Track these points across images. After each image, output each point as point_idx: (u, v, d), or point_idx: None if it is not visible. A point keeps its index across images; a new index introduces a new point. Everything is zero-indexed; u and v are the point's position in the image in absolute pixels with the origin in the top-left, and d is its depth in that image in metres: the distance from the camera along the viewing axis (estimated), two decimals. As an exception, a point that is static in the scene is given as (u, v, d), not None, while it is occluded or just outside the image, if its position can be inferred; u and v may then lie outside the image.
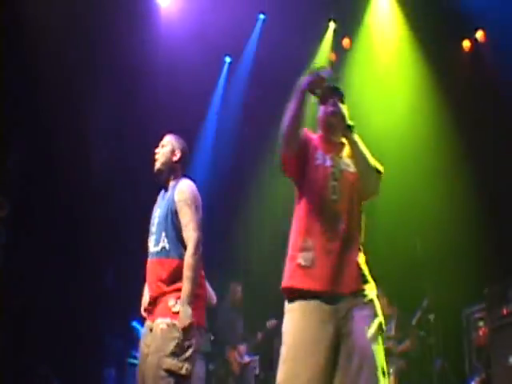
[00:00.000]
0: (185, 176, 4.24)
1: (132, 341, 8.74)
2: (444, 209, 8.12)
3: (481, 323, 6.41)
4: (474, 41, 8.38)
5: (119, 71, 8.58)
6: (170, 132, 4.35)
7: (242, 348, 8.09)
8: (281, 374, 3.07)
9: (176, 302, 3.80)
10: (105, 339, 8.72)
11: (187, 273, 3.84)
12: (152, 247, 4.11)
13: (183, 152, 4.27)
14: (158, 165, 4.24)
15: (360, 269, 3.19)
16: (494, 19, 7.67)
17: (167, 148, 4.26)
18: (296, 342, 3.08)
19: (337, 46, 9.31)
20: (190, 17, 8.58)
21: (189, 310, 3.73)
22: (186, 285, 3.81)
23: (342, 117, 3.30)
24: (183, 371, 3.70)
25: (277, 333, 8.33)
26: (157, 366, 3.72)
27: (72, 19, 7.78)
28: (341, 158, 3.34)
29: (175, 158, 4.24)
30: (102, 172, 8.86)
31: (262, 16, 9.14)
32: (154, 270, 4.02)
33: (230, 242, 9.39)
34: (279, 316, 8.13)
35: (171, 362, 3.70)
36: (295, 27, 8.61)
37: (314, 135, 3.43)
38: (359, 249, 3.24)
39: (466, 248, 7.72)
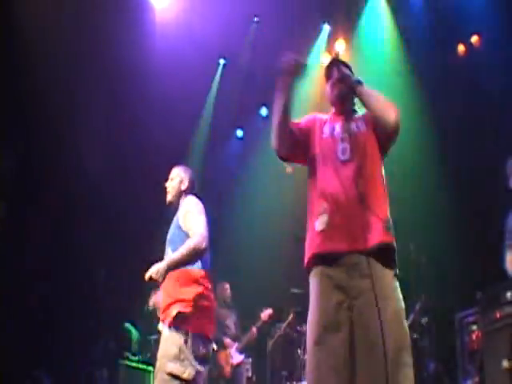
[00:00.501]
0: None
1: (124, 342, 8.73)
2: (437, 212, 8.08)
3: (474, 327, 6.35)
4: (469, 45, 8.33)
5: (112, 72, 8.50)
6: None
7: (233, 348, 8.01)
8: (307, 360, 2.99)
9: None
10: (97, 340, 8.56)
11: (182, 249, 4.15)
12: None
13: (191, 181, 4.62)
14: (169, 197, 4.62)
15: (383, 222, 3.00)
16: (489, 24, 7.63)
17: (176, 180, 4.62)
18: (314, 323, 2.98)
19: (331, 49, 9.28)
20: (184, 19, 8.52)
21: (163, 268, 4.10)
22: (175, 254, 4.16)
23: (347, 77, 3.25)
24: (185, 375, 3.92)
25: (269, 331, 8.31)
26: (161, 369, 3.99)
27: (65, 19, 7.72)
28: (352, 121, 3.26)
29: (183, 187, 4.59)
30: (96, 173, 8.80)
31: (256, 18, 9.10)
32: (163, 282, 4.21)
33: (218, 242, 9.32)
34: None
35: (174, 366, 3.93)
36: (289, 30, 8.59)
37: (324, 116, 3.38)
38: (380, 204, 3.07)
39: (459, 251, 7.69)
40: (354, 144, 3.15)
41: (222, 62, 9.68)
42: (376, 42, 8.93)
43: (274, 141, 3.18)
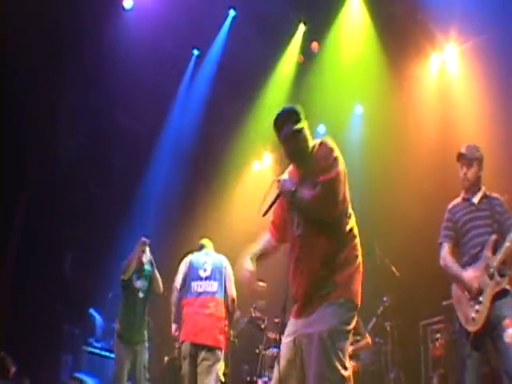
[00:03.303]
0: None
1: (88, 328, 8.53)
2: (405, 215, 7.57)
3: (438, 335, 5.98)
4: (442, 55, 7.87)
5: (86, 60, 8.02)
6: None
7: None
8: None
9: None
10: (62, 326, 8.38)
11: None
12: None
13: None
14: None
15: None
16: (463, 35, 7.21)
17: None
18: None
19: (305, 48, 8.83)
20: (160, 7, 7.98)
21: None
22: None
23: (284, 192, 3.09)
24: None
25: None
26: None
27: (39, 11, 7.16)
28: (307, 180, 3.11)
29: None
30: (67, 159, 8.48)
31: (232, 12, 8.61)
32: None
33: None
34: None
35: None
36: (265, 26, 8.18)
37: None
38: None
39: (426, 259, 7.22)
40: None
41: (196, 52, 9.15)
42: (350, 46, 8.42)
43: None
